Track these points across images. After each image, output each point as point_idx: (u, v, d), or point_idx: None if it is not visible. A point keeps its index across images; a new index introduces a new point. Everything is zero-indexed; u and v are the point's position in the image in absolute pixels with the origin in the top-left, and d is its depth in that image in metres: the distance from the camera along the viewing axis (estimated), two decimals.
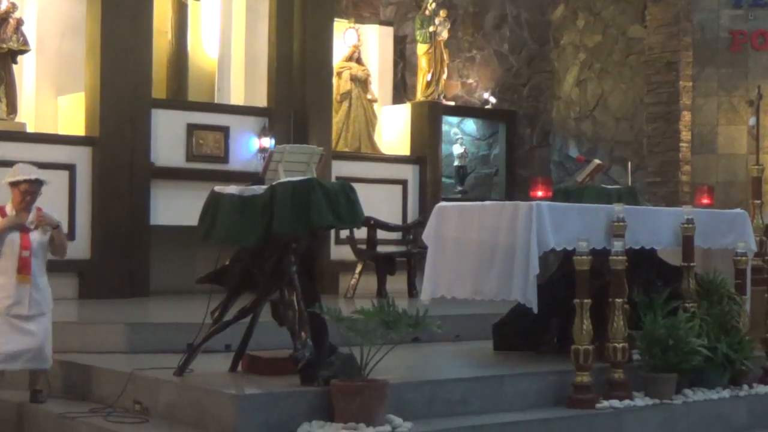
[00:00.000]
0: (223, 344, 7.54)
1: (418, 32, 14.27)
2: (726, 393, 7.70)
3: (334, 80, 13.03)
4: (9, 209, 7.01)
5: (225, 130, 11.76)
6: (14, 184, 7.01)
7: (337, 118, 13.23)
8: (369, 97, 13.66)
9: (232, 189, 6.75)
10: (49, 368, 7.26)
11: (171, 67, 12.67)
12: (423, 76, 14.21)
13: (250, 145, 11.89)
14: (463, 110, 15.97)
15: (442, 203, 8.38)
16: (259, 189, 6.59)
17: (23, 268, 6.93)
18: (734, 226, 8.55)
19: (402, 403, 6.37)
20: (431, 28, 14.10)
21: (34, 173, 7.08)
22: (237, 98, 12.35)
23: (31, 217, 7.00)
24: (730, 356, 7.71)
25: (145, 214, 11.01)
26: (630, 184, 10.72)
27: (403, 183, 13.32)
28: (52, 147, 10.73)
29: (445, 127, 14.79)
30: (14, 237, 6.92)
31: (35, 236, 7.00)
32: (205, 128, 11.66)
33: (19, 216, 6.97)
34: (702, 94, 13.65)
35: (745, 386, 7.89)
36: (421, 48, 14.23)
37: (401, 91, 15.82)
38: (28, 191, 6.98)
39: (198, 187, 10.12)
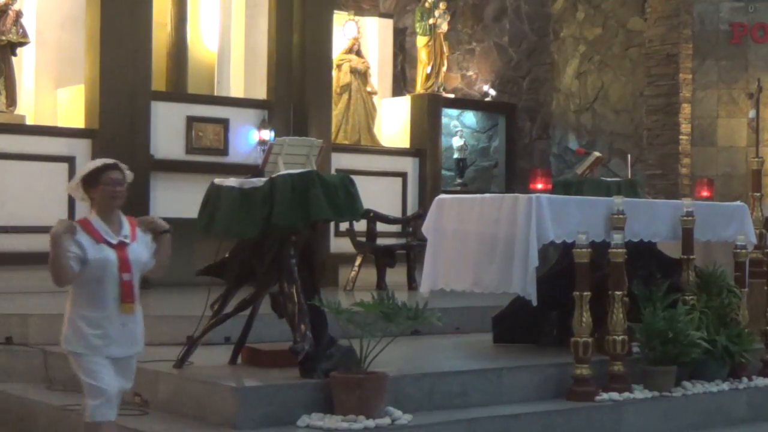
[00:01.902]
0: (223, 336, 7.55)
1: (417, 24, 14.26)
2: (725, 385, 7.71)
3: (334, 73, 13.01)
4: (94, 218, 5.26)
5: (225, 123, 11.75)
6: (92, 179, 5.29)
7: (337, 111, 13.22)
8: (368, 89, 13.65)
9: (231, 181, 6.75)
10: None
11: (170, 60, 12.65)
12: (423, 68, 14.21)
13: (249, 138, 11.88)
14: (462, 103, 15.97)
15: (442, 196, 8.38)
16: (259, 181, 6.60)
17: (127, 295, 5.22)
18: (734, 219, 8.56)
19: (401, 396, 6.37)
20: (431, 21, 14.10)
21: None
22: (237, 91, 12.34)
23: (127, 229, 5.35)
24: (730, 349, 7.72)
25: (144, 206, 10.99)
26: (630, 176, 10.72)
27: (403, 175, 13.32)
28: (52, 139, 10.72)
29: (444, 120, 14.78)
30: (108, 255, 5.18)
31: (134, 254, 5.30)
32: (205, 121, 11.64)
33: (109, 222, 5.29)
34: (702, 86, 13.64)
35: (745, 379, 7.89)
36: (421, 40, 14.22)
37: (401, 83, 15.82)
38: (114, 181, 5.32)
39: (198, 179, 10.12)
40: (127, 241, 5.28)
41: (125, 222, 5.36)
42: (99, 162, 5.38)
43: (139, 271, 5.34)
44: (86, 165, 5.40)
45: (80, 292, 5.23)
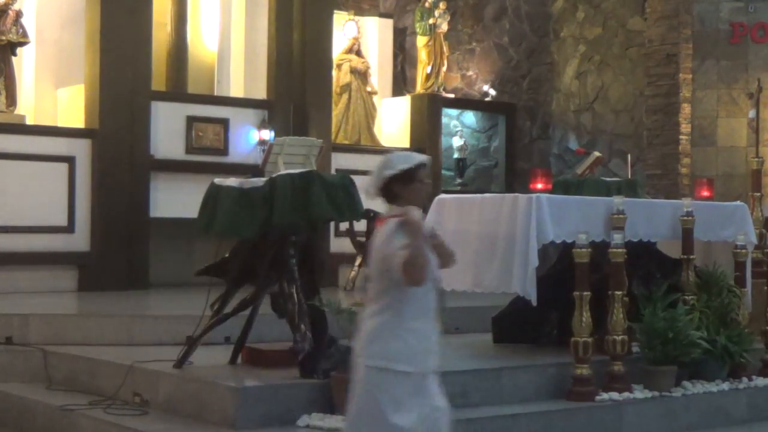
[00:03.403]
0: (223, 336, 7.55)
1: (417, 24, 14.27)
2: (725, 385, 7.70)
3: (334, 72, 13.01)
4: (419, 218, 4.44)
5: (225, 123, 11.75)
6: (411, 175, 4.49)
7: (337, 111, 13.23)
8: (368, 89, 13.65)
9: (231, 181, 6.75)
10: None
11: (170, 60, 12.66)
12: (423, 68, 14.21)
13: (249, 138, 11.88)
14: (462, 102, 15.95)
15: (442, 196, 8.37)
16: (259, 181, 6.60)
17: (441, 302, 4.66)
18: (734, 219, 8.55)
19: None
20: (431, 20, 14.10)
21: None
22: (237, 90, 12.34)
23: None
24: (730, 349, 7.71)
25: (144, 206, 11.00)
26: (630, 176, 10.74)
27: None
28: (52, 139, 10.72)
29: (444, 120, 14.77)
30: (430, 257, 4.50)
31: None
32: (205, 120, 11.65)
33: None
34: (702, 86, 13.63)
35: (745, 379, 7.89)
36: (421, 40, 14.23)
37: (401, 83, 15.81)
38: (428, 177, 4.58)
39: (198, 179, 10.11)
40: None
41: None
42: (419, 157, 4.57)
43: None
44: (389, 160, 4.56)
45: (407, 300, 4.45)
